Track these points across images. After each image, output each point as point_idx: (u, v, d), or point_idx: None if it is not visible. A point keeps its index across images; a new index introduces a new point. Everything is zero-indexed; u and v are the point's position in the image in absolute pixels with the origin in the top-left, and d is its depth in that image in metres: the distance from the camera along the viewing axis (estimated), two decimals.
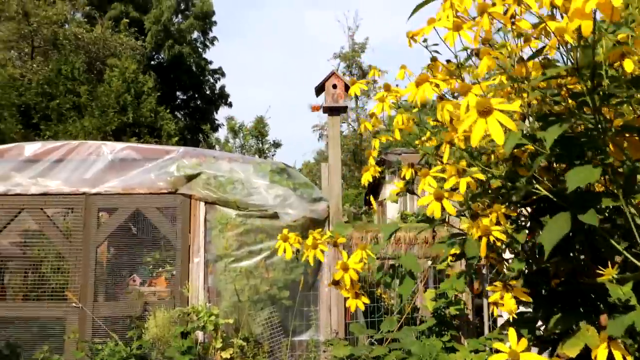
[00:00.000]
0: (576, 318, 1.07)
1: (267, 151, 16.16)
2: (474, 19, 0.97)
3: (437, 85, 1.15)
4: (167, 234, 4.21)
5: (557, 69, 0.88)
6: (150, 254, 4.40)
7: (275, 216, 4.23)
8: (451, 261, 1.69)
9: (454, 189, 1.25)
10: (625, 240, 1.03)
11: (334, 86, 4.46)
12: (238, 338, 3.84)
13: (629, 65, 0.92)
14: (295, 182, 4.36)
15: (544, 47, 0.93)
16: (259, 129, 15.65)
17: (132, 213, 4.21)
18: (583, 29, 0.74)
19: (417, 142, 1.42)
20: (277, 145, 16.46)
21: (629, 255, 0.93)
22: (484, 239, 1.12)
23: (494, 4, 0.93)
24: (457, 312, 3.26)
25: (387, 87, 1.56)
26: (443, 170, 1.28)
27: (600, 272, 0.95)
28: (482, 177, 1.13)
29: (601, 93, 0.89)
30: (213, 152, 4.51)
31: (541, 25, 0.95)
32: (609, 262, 0.97)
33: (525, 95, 0.98)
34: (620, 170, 0.98)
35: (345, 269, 1.41)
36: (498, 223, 1.14)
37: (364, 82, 1.70)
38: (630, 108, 0.98)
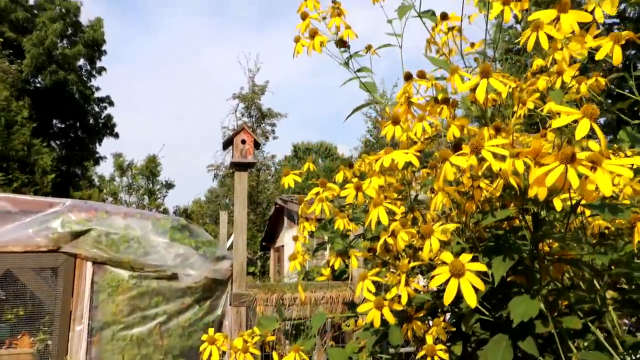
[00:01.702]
0: None
1: (158, 192, 15.23)
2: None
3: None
4: (45, 299, 3.68)
5: (507, 212, 0.95)
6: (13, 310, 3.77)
7: (174, 277, 3.94)
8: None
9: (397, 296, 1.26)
10: None
11: (243, 141, 4.40)
12: None
13: (558, 204, 1.03)
14: (197, 240, 4.14)
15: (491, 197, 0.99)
16: (151, 168, 14.77)
17: (1, 274, 3.63)
18: (539, 193, 0.81)
19: (363, 243, 1.42)
20: (169, 185, 15.61)
21: None
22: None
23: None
24: None
25: (322, 183, 1.56)
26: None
27: None
28: (427, 298, 1.15)
29: (540, 234, 0.98)
30: (106, 206, 4.11)
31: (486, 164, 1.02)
32: None
33: (471, 227, 1.04)
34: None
35: (245, 351, 1.40)
36: (438, 339, 1.17)
37: (297, 172, 1.69)
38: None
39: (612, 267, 1.08)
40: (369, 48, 1.48)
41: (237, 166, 4.35)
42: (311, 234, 1.54)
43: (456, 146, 1.07)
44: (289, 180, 1.65)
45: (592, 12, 1.11)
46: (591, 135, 0.82)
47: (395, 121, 1.23)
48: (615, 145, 1.41)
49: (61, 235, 3.72)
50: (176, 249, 3.97)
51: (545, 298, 1.07)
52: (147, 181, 15.14)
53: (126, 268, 3.84)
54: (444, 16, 1.43)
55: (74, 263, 3.75)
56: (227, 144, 4.44)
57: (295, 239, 1.72)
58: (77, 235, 3.76)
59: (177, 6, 50.26)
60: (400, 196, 1.22)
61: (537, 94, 1.28)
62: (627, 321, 1.30)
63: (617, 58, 0.87)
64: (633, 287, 1.17)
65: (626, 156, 1.19)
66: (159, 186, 15.37)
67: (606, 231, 1.08)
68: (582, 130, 0.72)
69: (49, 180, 10.70)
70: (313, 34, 1.27)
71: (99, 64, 21.86)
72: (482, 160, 0.89)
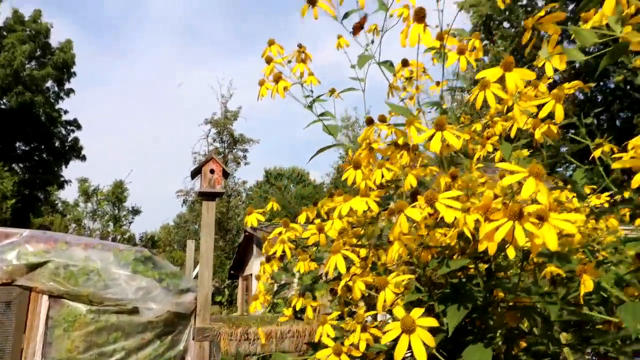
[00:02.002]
0: None
1: (124, 218, 14.81)
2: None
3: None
4: None
5: (461, 262, 0.96)
6: None
7: (135, 311, 3.80)
8: None
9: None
10: None
11: (212, 171, 4.36)
12: None
13: (511, 253, 1.06)
14: (161, 272, 4.02)
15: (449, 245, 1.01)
16: (117, 194, 14.39)
17: None
18: (489, 248, 0.83)
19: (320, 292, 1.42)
20: (136, 212, 15.22)
21: None
22: None
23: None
24: None
25: (285, 224, 1.56)
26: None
27: None
28: (383, 347, 1.15)
29: (492, 283, 1.00)
30: (66, 236, 3.97)
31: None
32: None
33: (429, 273, 1.05)
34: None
35: None
36: None
37: (260, 210, 1.68)
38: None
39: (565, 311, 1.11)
40: (332, 91, 1.51)
41: (205, 196, 4.30)
42: (272, 277, 1.52)
43: (413, 195, 1.09)
44: (252, 219, 1.64)
45: (542, 67, 1.18)
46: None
47: (357, 166, 1.25)
48: (568, 186, 1.47)
49: (16, 267, 3.56)
50: (138, 281, 3.85)
51: (501, 345, 1.08)
52: (113, 207, 14.72)
53: (84, 302, 3.68)
54: (405, 63, 1.48)
55: (29, 297, 3.58)
56: (196, 173, 4.39)
57: (258, 278, 1.70)
58: (33, 267, 3.60)
59: (151, 29, 50.22)
60: (359, 242, 1.22)
61: (496, 137, 1.33)
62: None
63: (559, 116, 0.92)
64: (587, 327, 1.21)
65: (581, 196, 1.24)
66: (125, 212, 14.97)
67: (557, 278, 1.10)
68: (527, 190, 0.75)
69: (9, 206, 10.27)
70: (277, 79, 1.29)
71: (67, 86, 21.51)
72: (436, 211, 0.91)
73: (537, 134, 1.23)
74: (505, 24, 18.85)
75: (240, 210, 21.04)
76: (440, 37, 1.23)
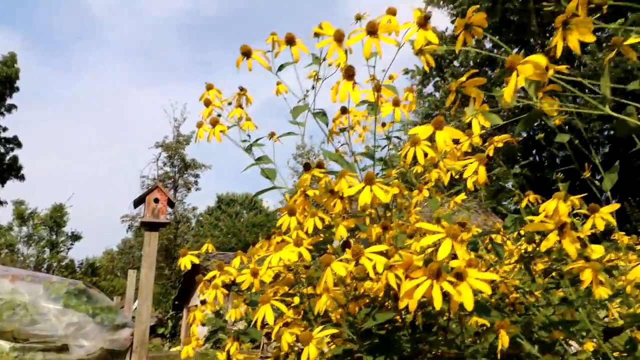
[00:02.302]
0: None
1: (62, 244, 13.96)
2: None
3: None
4: None
5: (388, 315, 0.97)
6: None
7: (64, 349, 3.56)
8: None
9: None
10: None
11: (156, 200, 4.23)
12: None
13: (437, 304, 1.09)
14: (95, 306, 3.80)
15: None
16: (55, 218, 13.59)
17: None
18: (410, 305, 0.84)
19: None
20: (76, 237, 14.39)
21: None
22: None
23: None
24: None
25: (220, 267, 1.53)
26: None
27: None
28: None
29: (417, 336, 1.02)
30: None
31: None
32: None
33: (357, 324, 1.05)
34: None
35: None
36: None
37: (195, 252, 1.64)
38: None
39: None
40: (272, 135, 1.52)
41: (148, 226, 4.15)
42: (203, 324, 1.48)
43: (344, 246, 1.10)
44: (186, 261, 1.60)
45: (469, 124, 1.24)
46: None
47: (291, 212, 1.25)
48: (498, 225, 1.53)
49: None
50: (70, 316, 3.62)
51: None
52: (51, 232, 13.86)
53: (8, 339, 3.41)
54: (344, 110, 1.52)
55: None
56: (139, 202, 4.25)
57: (190, 322, 1.65)
58: None
59: (105, 50, 49.05)
60: (291, 290, 1.21)
61: (432, 183, 1.38)
62: None
63: (482, 177, 0.96)
64: None
65: (499, 255, 1.30)
66: (63, 238, 14.12)
67: (481, 329, 1.14)
68: (443, 251, 0.77)
69: None
70: (214, 123, 1.28)
71: (9, 101, 20.45)
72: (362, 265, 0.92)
73: (469, 184, 1.29)
74: (456, 63, 19.91)
75: (189, 237, 20.44)
76: (377, 88, 1.28)
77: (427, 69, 0.93)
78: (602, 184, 1.18)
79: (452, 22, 19.15)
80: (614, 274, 1.02)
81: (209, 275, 1.52)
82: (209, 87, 1.35)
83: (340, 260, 0.93)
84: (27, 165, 20.02)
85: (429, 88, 21.04)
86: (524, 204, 1.58)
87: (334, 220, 1.14)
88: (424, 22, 0.87)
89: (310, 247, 1.20)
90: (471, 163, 0.96)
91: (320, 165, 1.34)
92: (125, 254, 24.05)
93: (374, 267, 0.94)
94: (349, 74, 0.92)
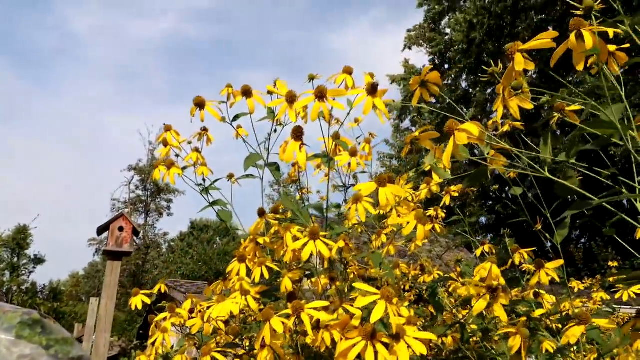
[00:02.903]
0: None
1: (23, 268, 13.41)
2: None
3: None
4: None
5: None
6: None
7: None
8: None
9: None
10: None
11: (120, 228, 4.15)
12: None
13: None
14: (50, 338, 3.63)
15: None
16: (18, 240, 13.09)
17: None
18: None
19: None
20: (38, 260, 13.85)
21: None
22: None
23: None
24: None
25: (171, 309, 1.50)
26: None
27: None
28: None
29: None
30: None
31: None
32: None
33: None
34: None
35: None
36: None
37: (147, 292, 1.61)
38: None
39: None
40: (230, 176, 1.53)
41: (111, 255, 4.05)
42: None
43: (289, 298, 1.10)
44: (137, 301, 1.57)
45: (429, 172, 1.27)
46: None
47: (241, 259, 1.25)
48: (459, 269, 1.56)
49: None
50: (22, 348, 3.44)
51: None
52: (12, 254, 13.31)
53: None
54: (295, 165, 1.54)
55: None
56: (103, 230, 4.16)
57: None
58: None
59: (82, 69, 48.69)
60: (237, 340, 1.20)
61: (385, 237, 1.41)
62: None
63: (420, 236, 0.99)
64: None
65: (440, 309, 1.31)
66: (25, 261, 13.57)
67: None
68: (377, 314, 0.78)
69: None
70: (169, 165, 1.29)
71: None
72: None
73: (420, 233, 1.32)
74: (433, 99, 20.45)
75: (159, 263, 19.96)
76: (336, 137, 1.32)
77: (382, 122, 0.96)
78: (554, 237, 1.22)
79: (430, 60, 19.78)
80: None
81: (160, 316, 1.49)
82: (167, 129, 1.36)
83: (281, 316, 0.93)
84: None
85: (406, 123, 21.51)
86: (478, 252, 1.62)
87: (281, 269, 1.15)
88: (372, 90, 0.90)
89: (257, 297, 1.19)
90: (408, 223, 0.99)
91: (275, 211, 1.35)
92: (91, 278, 23.25)
93: (318, 322, 0.95)
94: (297, 134, 0.94)
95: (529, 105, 0.97)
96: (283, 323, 0.90)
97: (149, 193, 20.20)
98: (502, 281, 0.88)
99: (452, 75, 19.17)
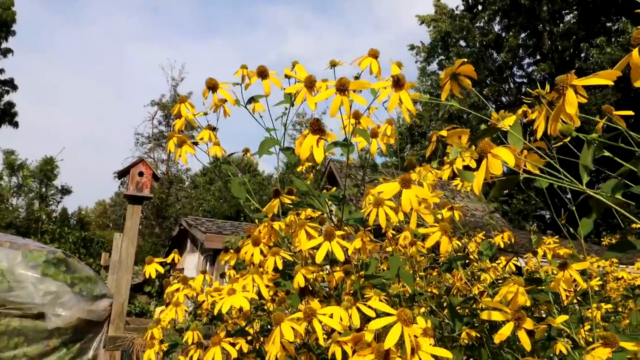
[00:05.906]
0: None
1: (52, 198, 13.85)
2: None
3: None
4: None
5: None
6: None
7: (40, 316, 3.58)
8: None
9: None
10: None
11: (140, 174, 4.18)
12: None
13: None
14: (74, 276, 3.80)
15: None
16: (45, 171, 13.40)
17: None
18: None
19: None
20: (66, 191, 14.26)
21: None
22: None
23: None
24: None
25: (184, 280, 1.50)
26: None
27: None
28: None
29: None
30: None
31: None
32: None
33: None
34: None
35: None
36: None
37: (159, 260, 1.61)
38: None
39: None
40: (246, 151, 1.47)
41: (131, 199, 4.11)
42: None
43: (301, 293, 1.07)
44: (151, 269, 1.57)
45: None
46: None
47: (256, 242, 1.21)
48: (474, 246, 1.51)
49: None
50: (47, 285, 3.62)
51: None
52: (40, 185, 13.71)
53: None
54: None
55: None
56: (123, 174, 4.19)
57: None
58: None
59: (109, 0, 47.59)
60: (247, 328, 1.19)
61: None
62: None
63: (444, 248, 0.92)
64: None
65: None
66: (53, 191, 14.00)
67: None
68: (392, 339, 0.74)
69: None
70: (181, 143, 1.23)
71: (4, 45, 19.93)
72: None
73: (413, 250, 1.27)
74: (462, 42, 19.48)
75: (181, 197, 20.42)
76: (357, 116, 1.22)
77: (408, 120, 0.87)
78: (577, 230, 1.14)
79: (463, 1, 18.63)
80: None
81: (172, 287, 1.50)
82: (182, 101, 1.28)
83: (292, 319, 0.89)
84: (23, 113, 19.71)
85: (433, 66, 20.65)
86: (498, 239, 1.55)
87: (295, 260, 1.11)
88: (398, 84, 0.80)
89: (270, 284, 1.17)
90: (434, 232, 0.92)
91: (290, 192, 1.29)
92: (117, 206, 23.99)
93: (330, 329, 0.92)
94: (315, 128, 0.86)
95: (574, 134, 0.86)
96: (294, 329, 0.87)
97: (172, 129, 20.29)
98: (528, 302, 0.82)
99: (485, 18, 18.10)
